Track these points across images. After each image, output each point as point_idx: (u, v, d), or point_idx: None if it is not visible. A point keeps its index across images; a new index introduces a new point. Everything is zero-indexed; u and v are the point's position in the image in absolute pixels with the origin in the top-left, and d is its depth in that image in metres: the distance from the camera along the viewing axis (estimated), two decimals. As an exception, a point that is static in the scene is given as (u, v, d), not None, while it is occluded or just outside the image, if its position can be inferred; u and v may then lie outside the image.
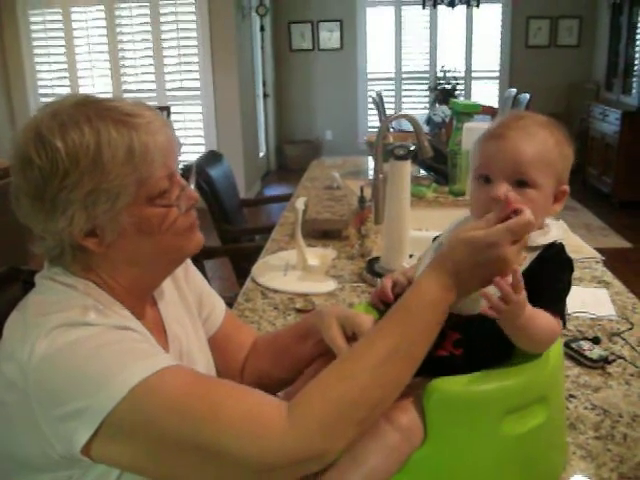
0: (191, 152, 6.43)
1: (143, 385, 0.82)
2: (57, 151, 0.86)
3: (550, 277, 0.97)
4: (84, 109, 0.90)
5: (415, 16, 8.52)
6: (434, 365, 0.99)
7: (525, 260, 0.97)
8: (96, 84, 6.93)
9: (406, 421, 0.93)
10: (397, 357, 0.87)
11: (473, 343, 0.98)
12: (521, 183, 0.97)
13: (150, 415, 0.82)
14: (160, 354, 0.90)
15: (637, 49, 6.65)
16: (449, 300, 0.91)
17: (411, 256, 1.90)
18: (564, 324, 0.98)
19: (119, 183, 0.89)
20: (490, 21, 8.46)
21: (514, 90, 6.91)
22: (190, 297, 1.20)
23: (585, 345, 1.42)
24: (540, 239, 0.99)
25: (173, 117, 6.51)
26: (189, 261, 1.23)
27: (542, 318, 0.93)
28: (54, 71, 6.92)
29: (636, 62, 6.66)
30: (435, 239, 1.14)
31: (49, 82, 6.92)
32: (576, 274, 0.99)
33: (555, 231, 1.01)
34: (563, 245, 1.00)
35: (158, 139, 0.92)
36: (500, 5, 8.37)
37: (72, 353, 0.84)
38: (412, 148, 1.92)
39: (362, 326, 1.04)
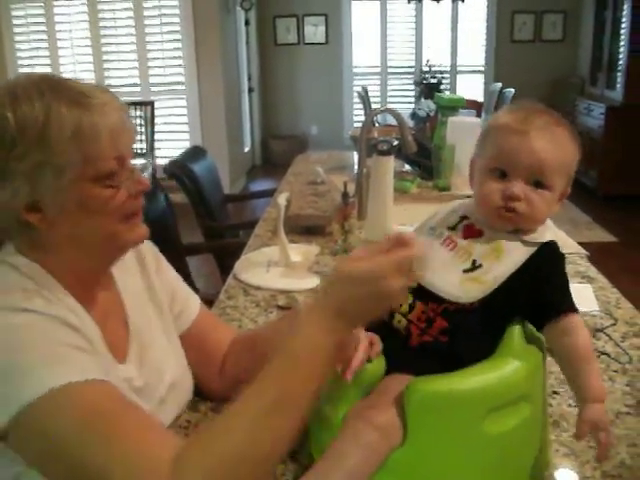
0: (175, 147, 6.37)
1: (63, 390, 0.82)
2: (6, 120, 0.88)
3: (558, 277, 0.99)
4: (39, 85, 0.92)
5: (400, 10, 8.52)
6: (416, 351, 0.99)
7: (520, 254, 0.98)
8: (79, 79, 6.85)
9: (383, 420, 0.92)
10: (281, 410, 0.82)
11: (459, 333, 0.98)
12: (537, 183, 0.98)
13: (59, 421, 0.82)
14: (89, 363, 0.88)
15: (621, 44, 6.67)
16: (335, 341, 0.85)
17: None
18: (577, 311, 0.98)
19: (65, 159, 0.89)
20: (475, 15, 8.47)
21: (499, 84, 6.93)
22: (161, 292, 1.19)
23: (569, 341, 1.41)
24: (538, 235, 1.00)
25: (157, 112, 6.45)
26: (161, 257, 1.24)
27: (584, 347, 0.95)
28: (37, 65, 6.84)
29: (620, 57, 6.68)
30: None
31: (31, 77, 6.84)
32: (565, 268, 1.01)
33: (550, 230, 1.02)
34: (556, 242, 1.01)
35: (109, 121, 0.93)
36: (485, -1, 8.38)
37: (4, 339, 0.84)
38: (395, 143, 1.90)
39: None
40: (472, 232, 1.02)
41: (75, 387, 0.83)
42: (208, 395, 1.25)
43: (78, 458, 0.81)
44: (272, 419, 0.82)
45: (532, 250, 0.98)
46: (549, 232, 1.01)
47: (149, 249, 1.22)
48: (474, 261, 0.99)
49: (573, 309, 0.96)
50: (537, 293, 0.96)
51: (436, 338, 0.98)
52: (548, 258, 0.99)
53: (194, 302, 1.27)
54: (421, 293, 1.01)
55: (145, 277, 1.17)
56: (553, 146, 0.97)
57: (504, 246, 0.99)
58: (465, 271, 0.98)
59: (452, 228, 1.05)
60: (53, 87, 0.92)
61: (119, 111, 0.96)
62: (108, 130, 0.92)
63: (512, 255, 0.98)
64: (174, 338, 1.19)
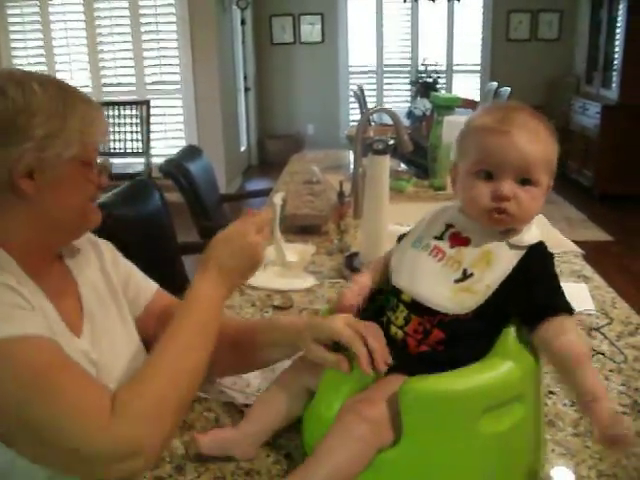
0: (171, 146, 6.38)
1: (3, 343, 0.88)
2: (34, 92, 1.00)
3: (548, 278, 0.97)
4: (56, 79, 1.08)
5: (396, 9, 8.51)
6: (414, 360, 0.98)
7: (510, 259, 0.97)
8: (75, 78, 6.84)
9: (375, 414, 0.92)
10: (192, 348, 1.02)
11: (456, 343, 0.98)
12: (524, 181, 0.97)
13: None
14: (30, 320, 0.93)
15: (617, 43, 6.67)
16: (221, 294, 1.09)
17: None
18: (572, 311, 0.96)
19: (72, 139, 1.02)
20: (471, 15, 8.46)
21: (495, 84, 6.93)
22: (115, 279, 1.26)
23: (564, 340, 1.41)
24: (525, 237, 0.99)
25: (153, 111, 6.44)
26: (118, 253, 1.32)
27: (578, 347, 0.92)
28: (32, 64, 6.82)
29: (616, 56, 6.69)
30: (400, 238, 1.13)
31: (27, 76, 6.82)
32: (555, 269, 1.00)
33: (535, 228, 1.01)
34: (544, 242, 1.00)
35: (102, 121, 1.10)
36: (481, -1, 8.38)
37: None
38: (391, 142, 1.90)
39: (338, 332, 1.01)
40: (459, 240, 1.01)
41: (15, 341, 0.89)
42: None
43: (23, 414, 0.87)
44: (186, 359, 1.00)
45: (521, 253, 0.97)
46: (535, 230, 1.01)
47: (108, 248, 1.30)
48: (464, 270, 0.98)
49: (565, 309, 0.95)
50: (528, 295, 0.95)
51: (434, 348, 0.98)
52: (537, 260, 0.98)
53: (150, 287, 1.33)
54: (415, 306, 1.01)
55: (103, 270, 1.25)
56: (536, 142, 0.96)
57: (493, 252, 0.98)
58: (456, 281, 0.98)
59: (438, 238, 1.04)
60: (67, 85, 1.07)
61: (105, 119, 1.13)
62: (101, 128, 1.09)
63: (502, 261, 0.97)
64: (131, 326, 1.25)
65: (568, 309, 0.95)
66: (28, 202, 1.01)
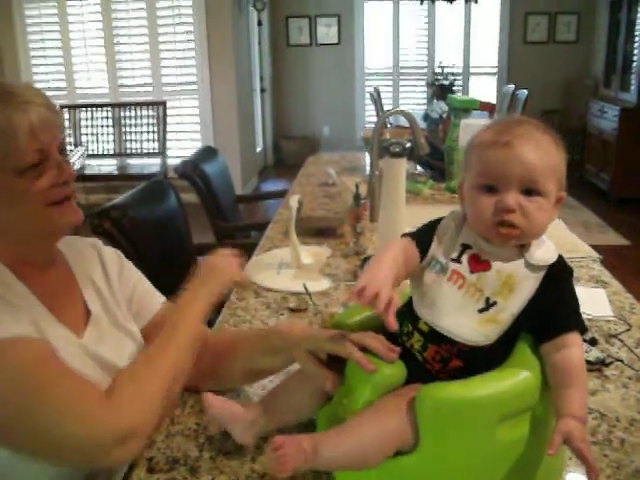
0: (187, 147, 6.40)
1: None
2: None
3: (568, 299, 0.96)
4: None
5: (413, 11, 8.50)
6: (435, 379, 0.97)
7: (532, 283, 0.95)
8: (92, 79, 6.90)
9: (408, 410, 0.92)
10: (177, 362, 1.11)
11: (475, 371, 0.95)
12: (529, 191, 0.94)
13: None
14: (17, 324, 0.98)
15: (636, 46, 6.63)
16: (203, 298, 1.22)
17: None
18: (585, 330, 0.97)
19: None
20: (488, 16, 8.44)
21: (512, 86, 6.89)
22: (119, 293, 1.29)
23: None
24: (538, 253, 0.97)
25: (169, 112, 6.47)
26: (126, 264, 1.35)
27: (577, 365, 0.92)
28: (50, 65, 6.89)
29: (634, 59, 6.64)
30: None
31: (45, 77, 6.89)
32: (573, 284, 0.98)
33: (548, 241, 0.99)
34: (562, 256, 0.99)
35: (28, 117, 1.01)
36: (498, 0, 8.34)
37: None
38: (407, 145, 1.89)
39: (332, 345, 1.02)
40: (479, 265, 0.98)
41: (5, 343, 0.94)
42: None
43: (16, 410, 0.93)
44: (171, 369, 1.09)
45: (542, 275, 0.96)
46: (550, 244, 0.99)
47: (114, 257, 1.33)
48: (487, 299, 0.96)
49: (577, 328, 0.94)
50: (546, 315, 0.94)
51: (452, 376, 0.97)
52: (558, 282, 0.96)
53: (154, 302, 1.35)
54: (433, 335, 0.98)
55: (105, 276, 1.28)
56: (538, 151, 0.93)
57: (515, 277, 0.96)
58: (480, 311, 0.96)
59: (456, 260, 1.00)
60: None
61: (40, 107, 1.03)
62: (27, 125, 1.00)
63: (525, 286, 0.95)
64: (135, 330, 1.28)
65: (580, 328, 0.95)
66: None
